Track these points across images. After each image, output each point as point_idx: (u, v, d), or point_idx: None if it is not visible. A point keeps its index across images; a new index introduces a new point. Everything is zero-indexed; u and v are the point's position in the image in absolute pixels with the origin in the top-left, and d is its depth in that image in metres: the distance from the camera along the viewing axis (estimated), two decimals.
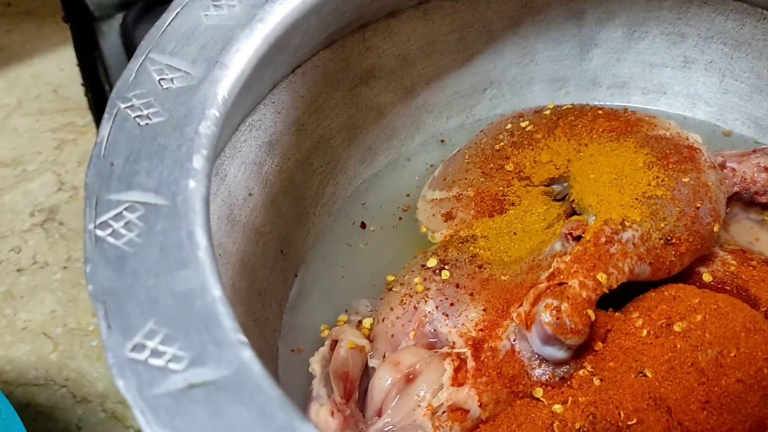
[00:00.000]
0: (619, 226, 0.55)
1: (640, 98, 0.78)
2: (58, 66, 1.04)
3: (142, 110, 0.45)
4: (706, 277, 0.60)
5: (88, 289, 0.37)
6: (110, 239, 0.39)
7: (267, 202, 0.66)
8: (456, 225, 0.67)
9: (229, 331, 0.35)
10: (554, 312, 0.50)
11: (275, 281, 0.66)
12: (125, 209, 0.40)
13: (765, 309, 0.57)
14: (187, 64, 0.47)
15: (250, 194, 0.64)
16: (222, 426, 0.32)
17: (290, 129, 0.67)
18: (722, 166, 0.66)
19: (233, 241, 0.61)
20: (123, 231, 0.39)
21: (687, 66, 0.74)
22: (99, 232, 0.39)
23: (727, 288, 0.60)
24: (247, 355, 0.35)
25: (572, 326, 0.50)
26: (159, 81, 0.46)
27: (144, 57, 0.48)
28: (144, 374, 0.34)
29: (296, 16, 0.55)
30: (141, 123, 0.44)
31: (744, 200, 0.67)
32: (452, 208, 0.68)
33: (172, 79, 0.46)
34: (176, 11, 0.49)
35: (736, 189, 0.65)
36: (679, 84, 0.76)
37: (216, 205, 0.59)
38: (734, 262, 0.61)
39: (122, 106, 0.45)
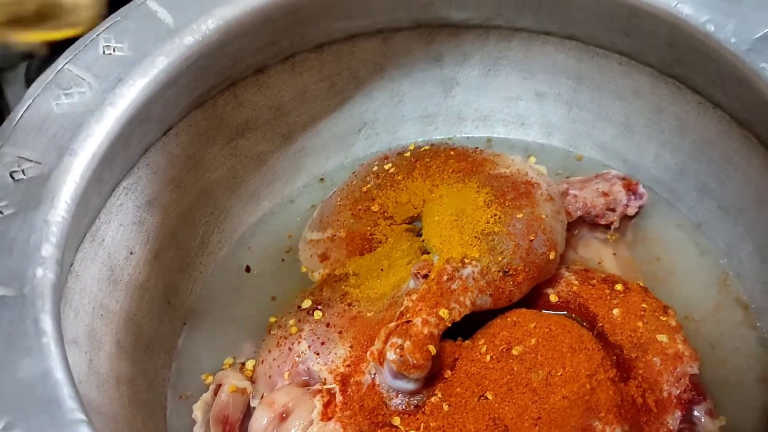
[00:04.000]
0: (460, 264, 0.61)
1: (502, 129, 0.84)
2: None
3: None
4: (553, 298, 0.67)
5: None
6: None
7: (150, 258, 0.70)
8: (331, 264, 0.72)
9: (67, 412, 0.39)
10: (398, 350, 0.56)
11: (163, 332, 0.70)
12: None
13: (601, 324, 0.64)
14: (38, 154, 0.51)
15: (131, 253, 0.68)
16: None
17: (168, 186, 0.72)
18: (565, 193, 0.72)
19: (116, 300, 0.66)
20: None
21: (539, 99, 0.81)
22: None
23: (571, 306, 0.67)
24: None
25: (414, 362, 0.56)
26: (10, 174, 0.50)
27: None
28: None
29: (149, 93, 0.59)
30: None
31: (588, 223, 0.73)
32: (327, 249, 0.73)
33: (23, 171, 0.50)
34: (27, 103, 0.53)
35: (579, 213, 0.72)
36: (534, 115, 0.82)
37: (95, 269, 0.63)
38: (576, 282, 0.67)
39: None
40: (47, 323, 0.44)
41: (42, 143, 0.52)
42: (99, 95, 0.56)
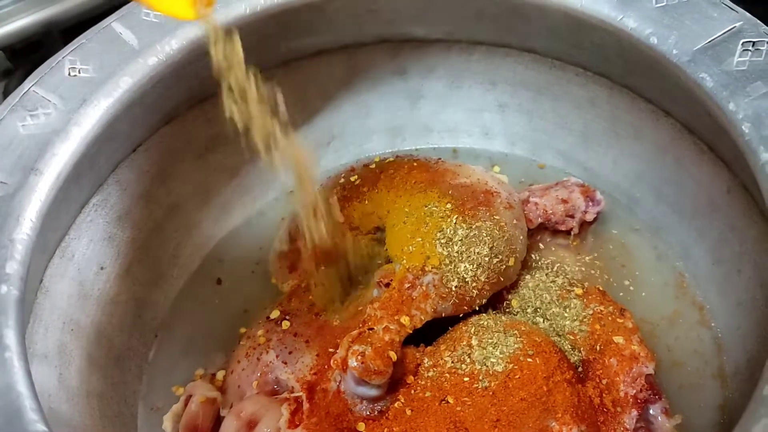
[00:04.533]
0: (420, 272, 0.63)
1: (467, 139, 0.86)
2: None
3: None
4: (515, 303, 0.69)
5: None
6: None
7: (121, 272, 0.71)
8: (299, 275, 0.74)
9: (29, 424, 0.41)
10: (359, 357, 0.58)
11: (134, 345, 0.72)
12: None
13: (555, 326, 0.66)
14: (3, 175, 0.53)
15: (102, 268, 0.69)
16: None
17: (139, 202, 0.73)
18: (526, 201, 0.74)
19: (86, 314, 0.67)
20: None
21: (501, 109, 0.83)
22: None
23: (531, 310, 0.69)
24: None
25: (375, 368, 0.57)
26: None
27: None
28: None
29: (114, 112, 0.61)
30: None
31: (549, 229, 0.75)
32: (295, 260, 0.75)
33: None
34: None
35: (540, 220, 0.74)
36: (497, 125, 0.84)
37: (64, 285, 0.65)
38: (536, 287, 0.69)
39: None
40: (10, 338, 0.45)
41: (8, 164, 0.54)
42: (64, 116, 0.57)
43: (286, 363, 0.65)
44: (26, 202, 0.52)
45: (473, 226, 0.65)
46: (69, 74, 0.59)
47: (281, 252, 0.76)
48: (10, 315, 0.46)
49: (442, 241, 0.64)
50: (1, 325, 0.45)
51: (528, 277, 0.71)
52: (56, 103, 0.58)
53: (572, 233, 0.75)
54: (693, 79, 0.57)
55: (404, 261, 0.64)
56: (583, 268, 0.74)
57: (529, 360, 0.60)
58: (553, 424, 0.57)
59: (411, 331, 0.61)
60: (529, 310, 0.68)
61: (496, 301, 0.68)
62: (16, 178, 0.53)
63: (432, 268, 0.63)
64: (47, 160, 0.55)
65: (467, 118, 0.85)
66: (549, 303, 0.68)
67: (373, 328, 0.60)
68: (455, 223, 0.65)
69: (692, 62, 0.57)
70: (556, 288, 0.69)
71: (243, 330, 0.72)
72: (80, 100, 0.58)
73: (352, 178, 0.76)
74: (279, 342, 0.66)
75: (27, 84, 0.58)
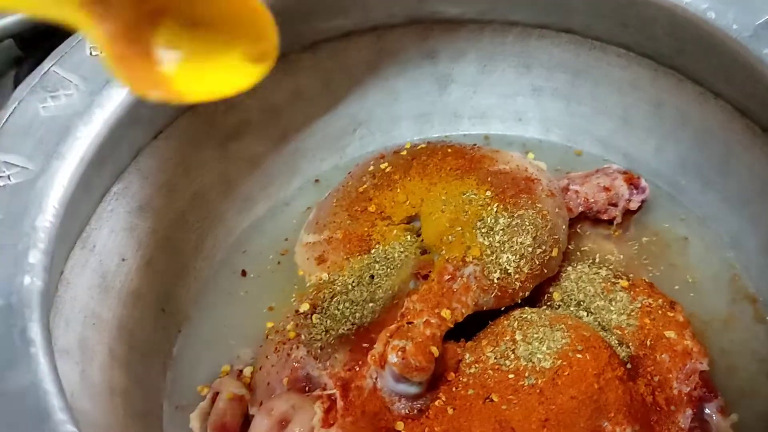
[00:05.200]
0: (461, 263, 0.59)
1: (499, 126, 0.83)
2: None
3: None
4: (556, 296, 0.66)
5: None
6: None
7: (142, 264, 0.68)
8: (328, 267, 0.71)
9: (58, 425, 0.38)
10: (400, 353, 0.54)
11: (157, 340, 0.69)
12: None
13: (600, 320, 0.63)
14: (24, 159, 0.50)
15: (123, 259, 0.66)
16: None
17: (160, 191, 0.70)
18: (566, 189, 0.71)
19: (108, 307, 0.64)
20: None
21: (536, 94, 0.80)
22: None
23: (573, 304, 0.65)
24: None
25: (417, 364, 0.54)
26: None
27: None
28: None
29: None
30: None
31: (590, 218, 0.72)
32: (324, 251, 0.71)
33: (9, 176, 0.49)
34: (13, 107, 0.52)
35: (581, 209, 0.71)
36: (532, 111, 0.81)
37: (86, 277, 0.62)
38: (579, 279, 0.66)
39: None
40: (36, 332, 0.42)
41: (28, 147, 0.51)
42: (86, 97, 0.54)
43: (317, 359, 0.62)
44: (49, 188, 0.49)
45: (515, 215, 0.62)
46: (91, 53, 0.56)
47: (309, 243, 0.73)
48: (34, 308, 0.43)
49: (483, 230, 0.61)
50: (25, 318, 0.42)
51: (569, 269, 0.67)
52: (78, 84, 0.55)
53: (614, 223, 0.71)
54: (755, 55, 0.53)
55: (443, 251, 0.60)
56: (627, 260, 0.70)
57: (578, 356, 0.56)
58: (606, 424, 0.54)
59: (452, 326, 0.58)
60: (572, 304, 0.64)
61: (537, 294, 0.65)
62: (38, 162, 0.50)
63: (473, 258, 0.59)
64: (70, 144, 0.52)
65: (500, 104, 0.82)
66: (593, 296, 0.64)
67: (412, 322, 0.57)
68: (496, 212, 0.62)
69: (754, 38, 0.54)
70: (600, 280, 0.66)
71: (270, 324, 0.69)
72: (103, 81, 0.55)
73: (383, 166, 0.73)
74: (309, 337, 0.63)
75: (47, 64, 0.55)
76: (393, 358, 0.54)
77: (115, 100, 0.55)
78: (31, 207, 0.48)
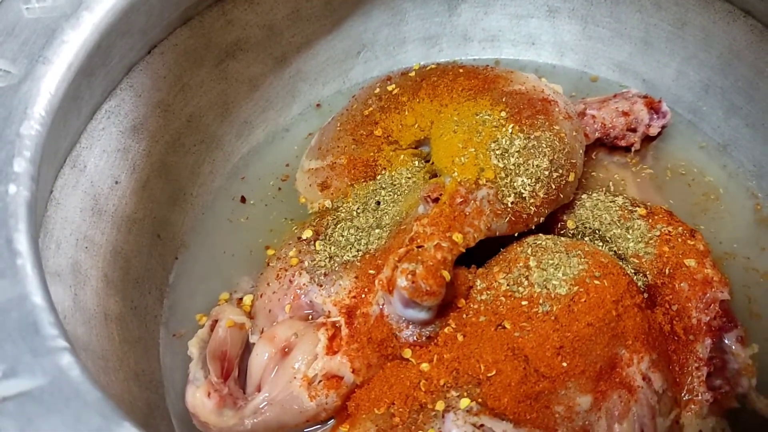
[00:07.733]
0: (474, 185, 0.56)
1: (511, 50, 0.79)
2: None
3: None
4: (570, 224, 0.63)
5: None
6: None
7: (137, 188, 0.65)
8: (332, 194, 0.68)
9: (47, 339, 0.35)
10: (410, 276, 0.52)
11: (153, 267, 0.66)
12: None
13: (615, 248, 0.60)
14: (7, 62, 0.46)
15: (116, 182, 0.63)
16: None
17: (155, 111, 0.66)
18: (582, 114, 0.67)
19: (101, 231, 0.61)
20: None
21: (551, 15, 0.75)
22: None
23: (588, 232, 0.63)
24: (66, 360, 0.35)
25: (427, 288, 0.51)
26: None
27: None
28: None
29: (129, 1, 0.53)
30: None
31: (607, 145, 0.69)
32: (327, 177, 0.68)
33: None
34: None
35: (597, 135, 0.67)
36: (546, 34, 0.77)
37: (77, 198, 0.58)
38: (595, 207, 0.63)
39: None
40: (22, 243, 0.39)
41: (11, 50, 0.47)
42: None
43: (321, 285, 0.59)
44: (34, 93, 0.45)
45: (531, 137, 0.58)
46: None
47: (311, 169, 0.70)
48: (20, 218, 0.40)
49: (498, 152, 0.57)
50: (10, 228, 0.39)
51: (584, 196, 0.65)
52: None
53: (633, 149, 0.68)
54: None
55: (455, 173, 0.57)
56: (644, 188, 0.67)
57: (596, 282, 0.54)
58: (623, 351, 0.52)
59: (464, 250, 0.55)
60: (586, 232, 0.62)
61: (550, 222, 0.62)
62: (21, 66, 0.46)
63: (486, 181, 0.56)
64: (56, 48, 0.47)
65: (512, 26, 0.77)
66: (609, 224, 0.62)
67: (422, 246, 0.54)
68: (511, 133, 0.58)
69: None
70: (617, 208, 0.63)
71: (271, 251, 0.66)
72: None
73: (390, 88, 0.69)
74: (313, 263, 0.61)
75: None
76: (402, 282, 0.52)
77: (104, 3, 0.51)
78: (15, 113, 0.44)
